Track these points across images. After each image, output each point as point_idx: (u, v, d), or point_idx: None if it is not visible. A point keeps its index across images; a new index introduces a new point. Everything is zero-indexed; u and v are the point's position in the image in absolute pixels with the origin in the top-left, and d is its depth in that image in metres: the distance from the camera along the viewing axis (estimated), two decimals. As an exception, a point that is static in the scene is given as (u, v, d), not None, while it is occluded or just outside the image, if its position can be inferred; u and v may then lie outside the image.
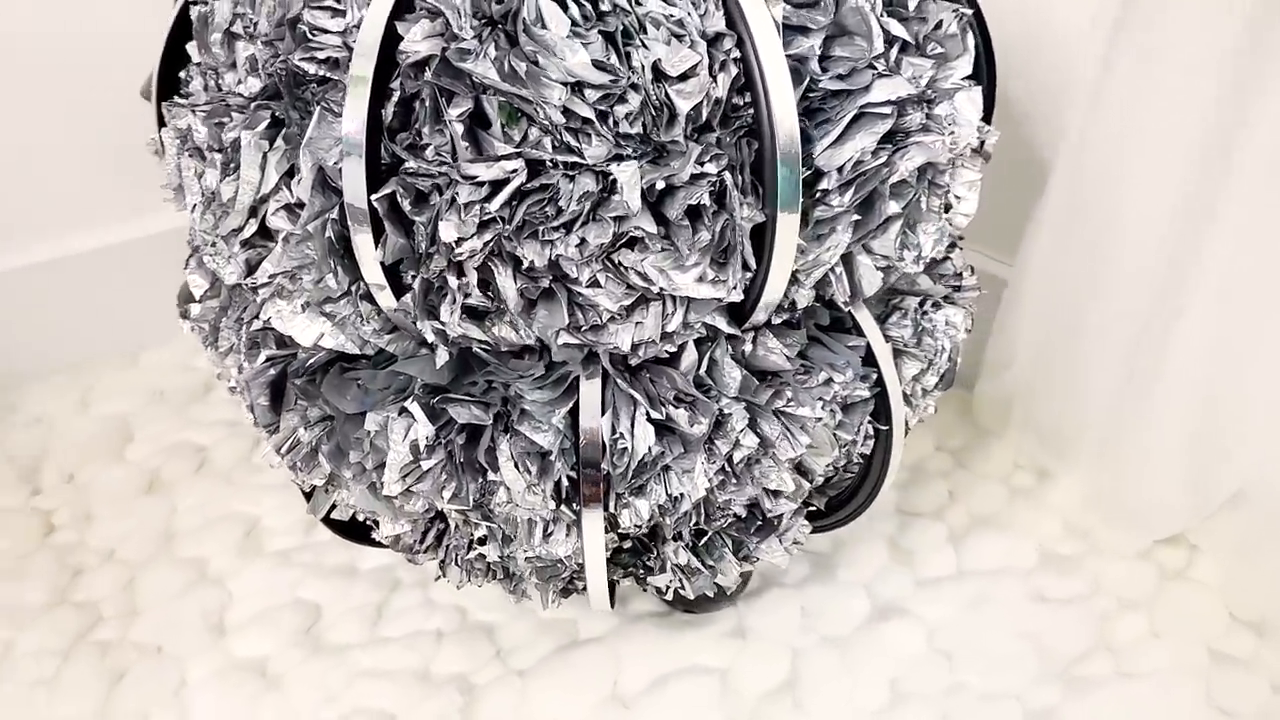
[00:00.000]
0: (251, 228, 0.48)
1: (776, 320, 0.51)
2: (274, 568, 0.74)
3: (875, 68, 0.46)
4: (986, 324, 0.83)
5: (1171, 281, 0.67)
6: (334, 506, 0.60)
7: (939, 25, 0.50)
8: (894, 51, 0.47)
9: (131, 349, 0.96)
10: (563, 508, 0.51)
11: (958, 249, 0.62)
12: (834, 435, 0.55)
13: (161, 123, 0.55)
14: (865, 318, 0.55)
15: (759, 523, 0.59)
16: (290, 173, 0.46)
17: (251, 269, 0.50)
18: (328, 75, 0.45)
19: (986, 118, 0.56)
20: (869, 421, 0.56)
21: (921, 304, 0.58)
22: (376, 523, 0.58)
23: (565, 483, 0.50)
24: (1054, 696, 0.64)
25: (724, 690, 0.65)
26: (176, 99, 0.53)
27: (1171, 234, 0.66)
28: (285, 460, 0.55)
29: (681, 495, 0.51)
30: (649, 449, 0.49)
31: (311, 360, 0.53)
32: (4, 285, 0.90)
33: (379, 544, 0.62)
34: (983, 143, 0.56)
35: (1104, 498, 0.76)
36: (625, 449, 0.49)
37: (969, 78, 0.52)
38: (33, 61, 0.84)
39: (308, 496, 0.60)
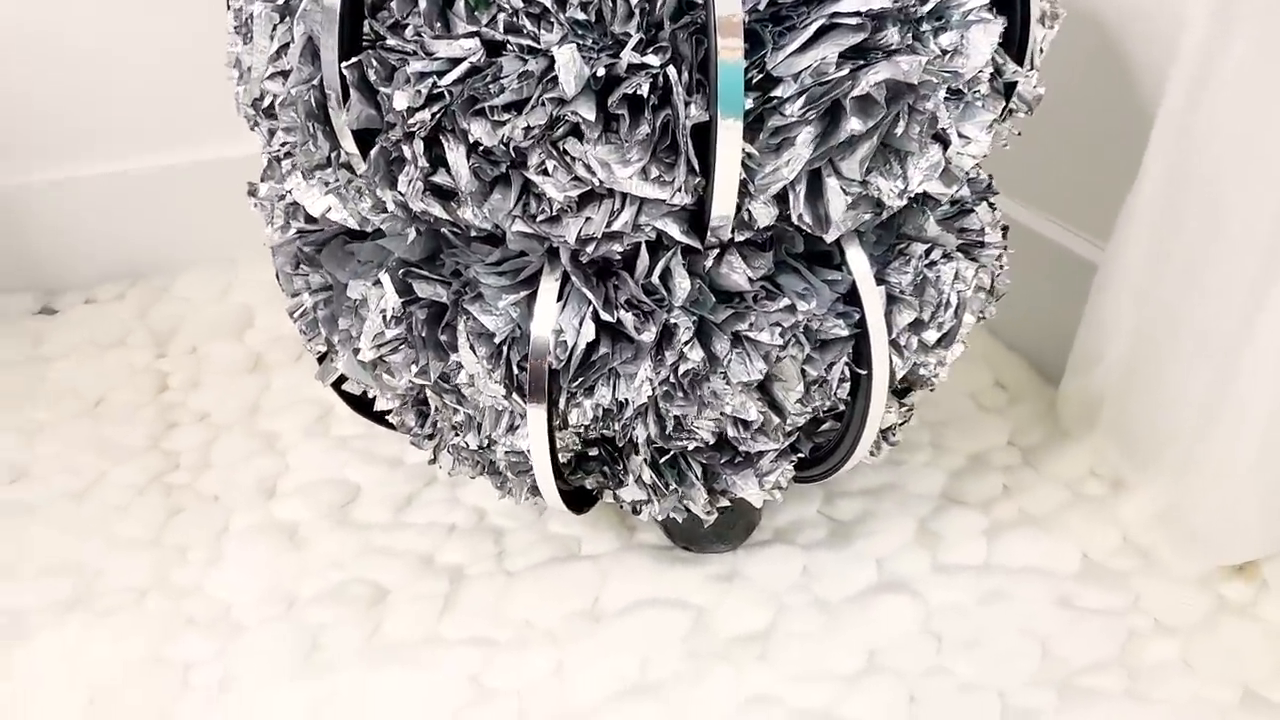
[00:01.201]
0: (268, 97, 0.53)
1: (740, 238, 0.50)
2: (331, 449, 0.81)
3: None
4: (1075, 314, 0.77)
5: (1271, 284, 0.60)
6: (344, 378, 0.65)
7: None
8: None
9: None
10: (514, 396, 0.53)
11: (988, 203, 0.58)
12: (802, 369, 0.53)
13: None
14: (856, 254, 0.53)
15: (735, 456, 0.59)
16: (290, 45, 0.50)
17: (272, 138, 0.55)
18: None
19: (1020, 59, 0.52)
20: (847, 363, 0.54)
21: (929, 252, 0.55)
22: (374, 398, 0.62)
23: (517, 372, 0.52)
24: (1044, 701, 0.59)
25: (696, 626, 0.64)
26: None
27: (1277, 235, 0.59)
28: (296, 324, 0.60)
29: (626, 400, 0.52)
30: (590, 347, 0.50)
31: (324, 233, 0.58)
32: (166, 181, 1.02)
33: (389, 425, 0.66)
34: (1011, 85, 0.53)
35: (1174, 515, 0.69)
36: (566, 344, 0.50)
37: (991, 9, 0.49)
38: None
39: (320, 362, 0.65)
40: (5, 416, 0.85)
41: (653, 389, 0.51)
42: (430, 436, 0.63)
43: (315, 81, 0.48)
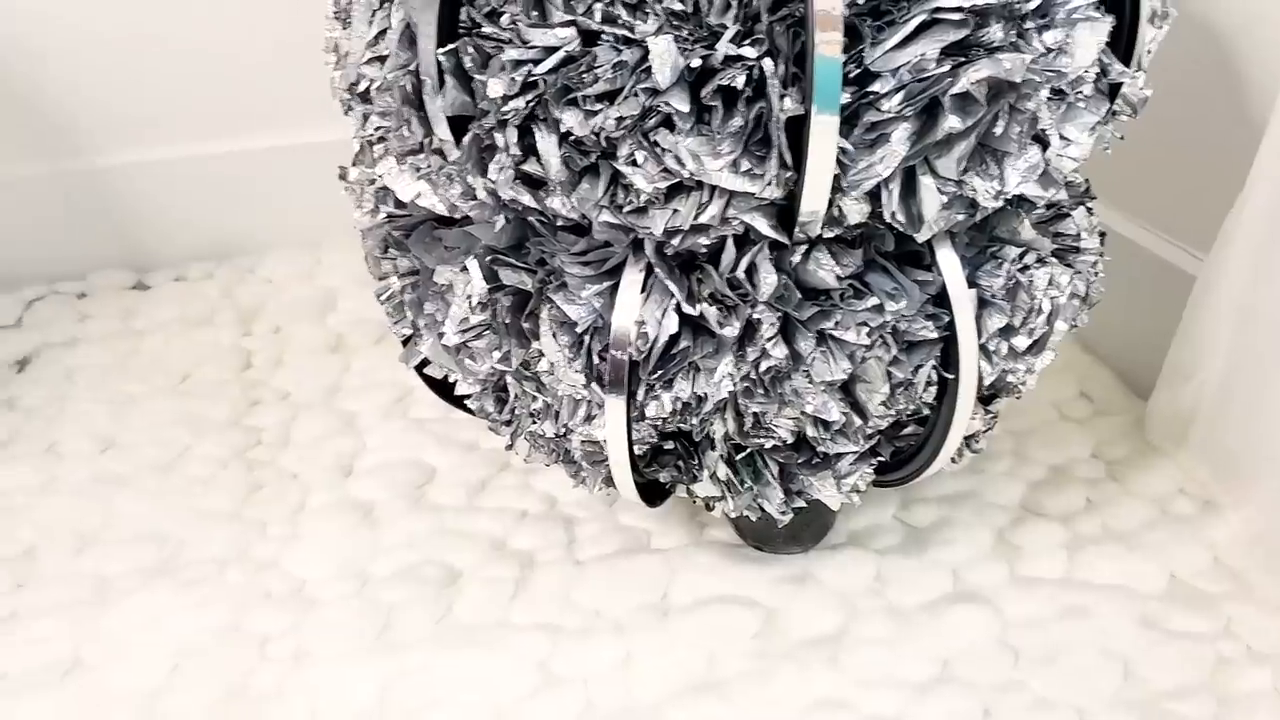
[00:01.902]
0: (364, 82, 0.54)
1: (831, 235, 0.49)
2: (409, 431, 0.82)
3: (956, -28, 0.44)
4: (1169, 326, 0.74)
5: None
6: (427, 361, 0.65)
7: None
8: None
9: (358, 236, 1.07)
10: (593, 386, 0.53)
11: (1085, 207, 0.56)
12: (888, 371, 0.52)
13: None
14: (947, 256, 0.52)
15: (813, 457, 0.58)
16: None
17: (365, 122, 0.56)
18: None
19: (1126, 60, 0.51)
20: (934, 367, 0.53)
21: (1022, 256, 0.54)
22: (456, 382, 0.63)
23: (598, 362, 0.52)
24: (1122, 721, 0.58)
25: (765, 627, 0.64)
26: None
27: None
28: (383, 307, 0.61)
29: (705, 395, 0.52)
30: (671, 340, 0.50)
31: (412, 218, 0.58)
32: (255, 164, 1.04)
33: (467, 409, 0.67)
34: (1116, 87, 0.51)
35: (1270, 539, 0.66)
36: (648, 336, 0.50)
37: (1100, 7, 0.47)
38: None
39: (405, 345, 0.66)
40: (98, 389, 0.88)
41: (733, 385, 0.51)
42: (508, 423, 0.63)
43: (411, 67, 0.49)
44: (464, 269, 0.54)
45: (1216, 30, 0.70)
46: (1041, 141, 0.49)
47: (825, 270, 0.50)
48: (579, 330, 0.51)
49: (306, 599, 0.67)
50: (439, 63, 0.47)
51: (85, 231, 1.03)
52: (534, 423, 0.60)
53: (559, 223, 0.52)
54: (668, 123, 0.46)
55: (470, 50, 0.47)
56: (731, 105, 0.45)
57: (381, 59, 0.51)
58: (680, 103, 0.44)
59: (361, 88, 0.54)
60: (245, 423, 0.83)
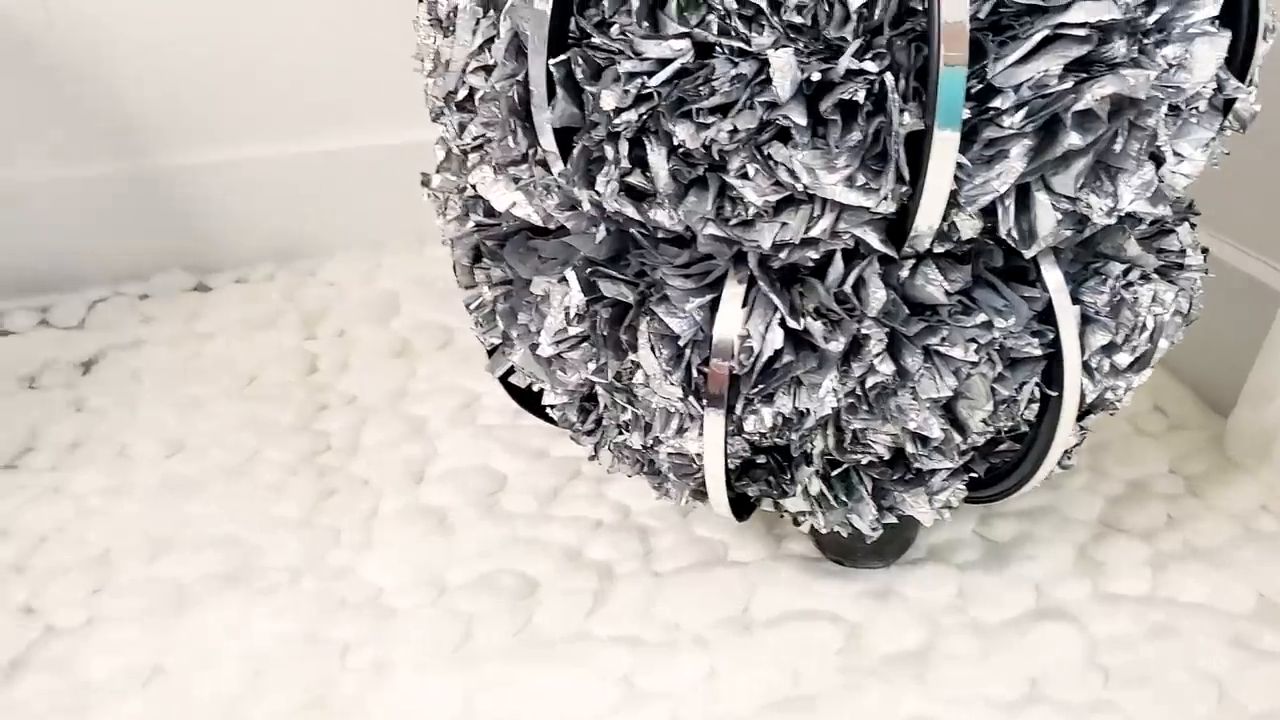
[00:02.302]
0: (464, 90, 0.54)
1: (939, 250, 0.49)
2: (478, 437, 0.82)
3: (1080, -14, 0.43)
4: (1254, 342, 0.73)
5: None
6: (511, 370, 0.65)
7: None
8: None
9: (418, 240, 1.08)
10: (690, 399, 0.53)
11: (1189, 224, 0.56)
12: (991, 388, 0.52)
13: None
14: (1051, 270, 0.51)
15: (907, 473, 0.57)
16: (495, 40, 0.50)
17: (462, 131, 0.56)
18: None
19: (1241, 75, 0.50)
20: (1037, 384, 0.53)
21: (1126, 272, 0.53)
22: (542, 391, 0.63)
23: (696, 375, 0.52)
24: (1219, 747, 0.57)
25: (849, 643, 0.63)
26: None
27: None
28: (472, 316, 0.61)
29: (808, 410, 0.51)
30: (776, 354, 0.49)
31: (506, 228, 0.58)
32: (318, 166, 1.04)
33: (549, 418, 0.66)
34: (1231, 102, 0.50)
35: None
36: (752, 349, 0.50)
37: (1216, 20, 0.47)
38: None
39: (490, 355, 0.66)
40: (164, 391, 0.88)
41: (836, 401, 0.50)
42: (590, 433, 0.63)
43: (519, 77, 0.49)
44: (562, 280, 0.53)
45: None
46: (1156, 158, 0.48)
47: (934, 286, 0.49)
48: (680, 343, 0.51)
49: (384, 608, 0.67)
50: (550, 74, 0.47)
51: (147, 233, 1.04)
52: (621, 434, 0.60)
53: (659, 235, 0.52)
54: (781, 136, 0.45)
55: (580, 61, 0.47)
56: (849, 119, 0.44)
57: (487, 68, 0.51)
58: (799, 116, 0.44)
59: (460, 96, 0.54)
60: (314, 427, 0.84)
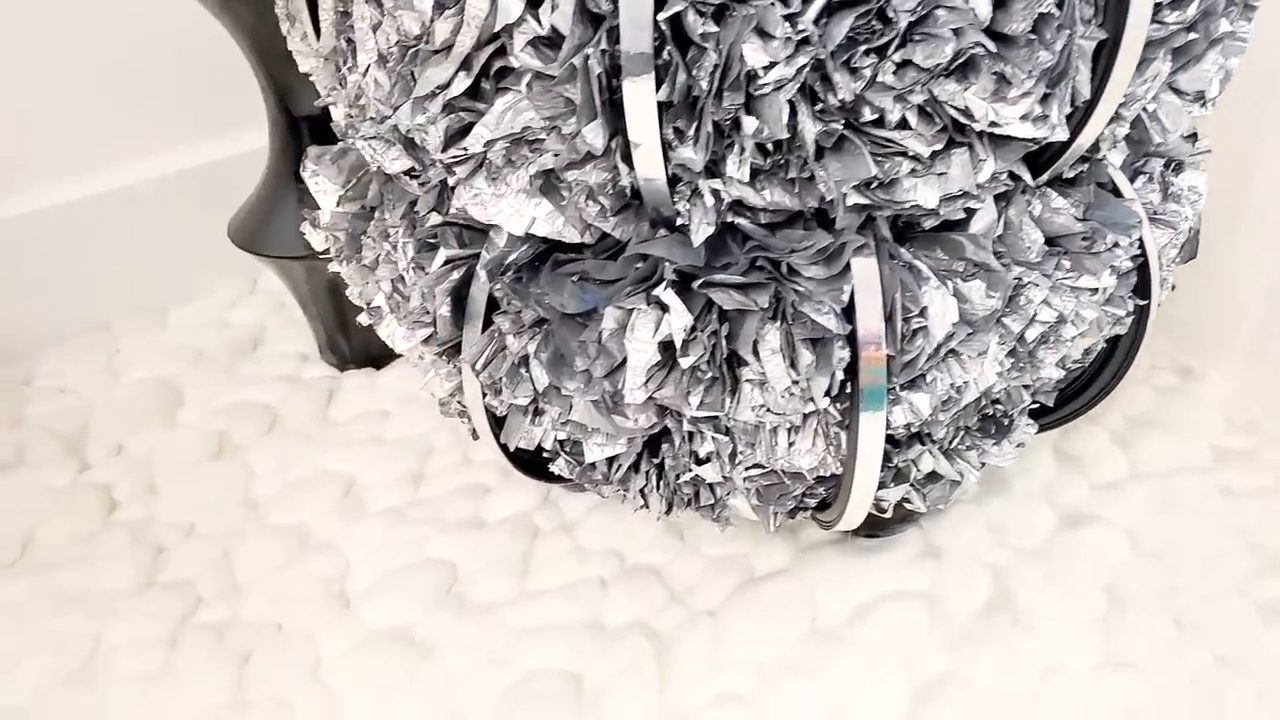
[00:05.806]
0: (463, 83, 0.39)
1: (1070, 174, 0.44)
2: (388, 527, 0.65)
3: None
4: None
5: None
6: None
7: None
8: None
9: (157, 307, 0.84)
10: (832, 407, 0.44)
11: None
12: (1103, 312, 0.49)
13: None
14: (1119, 176, 0.49)
15: (994, 425, 0.53)
16: (536, 2, 0.37)
17: (451, 140, 0.41)
18: None
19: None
20: (1130, 296, 0.50)
21: (1166, 165, 0.52)
22: (572, 448, 0.50)
23: (840, 376, 0.43)
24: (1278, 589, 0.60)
25: (933, 614, 0.58)
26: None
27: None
28: (483, 376, 0.47)
29: (966, 384, 0.45)
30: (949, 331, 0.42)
31: (514, 255, 0.45)
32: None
33: (557, 477, 0.54)
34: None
35: (1264, 386, 0.72)
36: (919, 330, 0.42)
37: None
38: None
39: (497, 421, 0.51)
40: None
41: (1000, 367, 0.44)
42: (623, 481, 0.52)
43: (602, 45, 0.36)
44: (652, 302, 0.42)
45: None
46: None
47: (1063, 214, 0.44)
48: (826, 342, 0.42)
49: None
50: (658, 31, 0.35)
51: None
52: (692, 469, 0.50)
53: (762, 218, 0.42)
54: (949, 70, 0.38)
55: (700, 9, 0.35)
56: (1032, 41, 0.37)
57: (538, 42, 0.37)
58: (987, 40, 0.36)
59: (456, 90, 0.40)
60: (161, 579, 0.62)
